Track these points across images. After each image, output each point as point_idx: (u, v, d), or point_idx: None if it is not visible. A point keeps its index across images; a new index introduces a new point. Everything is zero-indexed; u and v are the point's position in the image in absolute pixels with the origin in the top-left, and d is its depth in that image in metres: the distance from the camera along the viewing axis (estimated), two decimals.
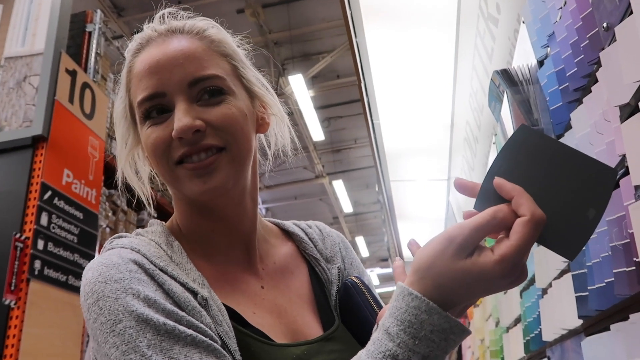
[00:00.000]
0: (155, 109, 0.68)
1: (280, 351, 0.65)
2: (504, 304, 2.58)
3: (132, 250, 0.65)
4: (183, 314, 0.59)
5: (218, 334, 0.60)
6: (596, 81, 1.06)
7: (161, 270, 0.63)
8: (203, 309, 0.61)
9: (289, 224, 0.86)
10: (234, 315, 0.65)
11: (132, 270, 0.61)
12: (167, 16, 0.73)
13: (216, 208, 0.71)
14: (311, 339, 0.70)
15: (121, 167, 0.77)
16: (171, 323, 0.57)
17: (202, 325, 0.59)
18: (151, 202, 0.78)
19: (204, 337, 0.58)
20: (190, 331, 0.57)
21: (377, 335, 0.55)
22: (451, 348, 0.53)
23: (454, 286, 0.53)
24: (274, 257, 0.79)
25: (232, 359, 0.59)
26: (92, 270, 0.62)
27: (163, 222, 0.75)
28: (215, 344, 0.58)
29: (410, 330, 0.52)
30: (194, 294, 0.62)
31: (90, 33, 2.94)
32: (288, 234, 0.84)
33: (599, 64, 1.03)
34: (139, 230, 0.73)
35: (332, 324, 0.74)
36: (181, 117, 0.65)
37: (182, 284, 0.63)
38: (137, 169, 0.78)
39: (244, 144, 0.70)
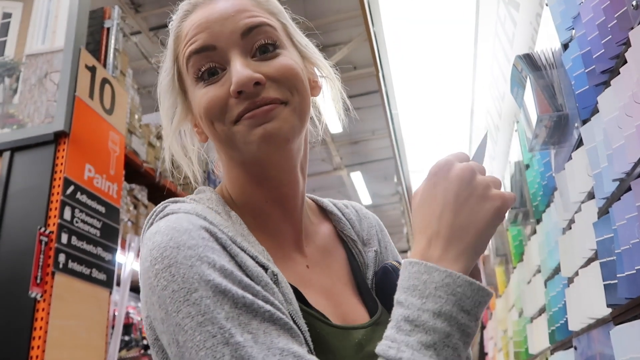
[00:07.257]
0: (207, 69, 0.65)
1: (342, 334, 0.63)
2: (527, 294, 2.55)
3: (199, 216, 0.61)
4: (259, 288, 0.56)
5: (289, 312, 0.58)
6: (625, 62, 1.02)
7: (231, 240, 0.60)
8: (274, 285, 0.59)
9: (327, 202, 0.82)
10: (297, 294, 0.62)
11: (205, 238, 0.58)
12: None
13: (272, 171, 0.67)
14: (362, 323, 0.68)
15: (168, 144, 0.73)
16: (249, 296, 0.54)
17: (276, 301, 0.57)
18: (199, 179, 0.75)
19: (280, 314, 0.55)
20: (268, 307, 0.55)
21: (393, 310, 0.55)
22: (464, 302, 0.52)
23: (432, 219, 0.56)
24: (314, 236, 0.76)
25: (304, 338, 0.57)
26: (160, 234, 0.58)
27: (213, 189, 0.71)
28: (290, 322, 0.56)
29: (416, 292, 0.53)
30: (264, 268, 0.59)
31: (108, 29, 2.96)
32: (325, 213, 0.81)
33: (627, 44, 0.99)
34: (192, 196, 0.69)
35: (374, 307, 0.72)
36: (240, 69, 0.62)
37: (252, 257, 0.60)
38: (184, 145, 0.74)
39: (305, 99, 0.67)
